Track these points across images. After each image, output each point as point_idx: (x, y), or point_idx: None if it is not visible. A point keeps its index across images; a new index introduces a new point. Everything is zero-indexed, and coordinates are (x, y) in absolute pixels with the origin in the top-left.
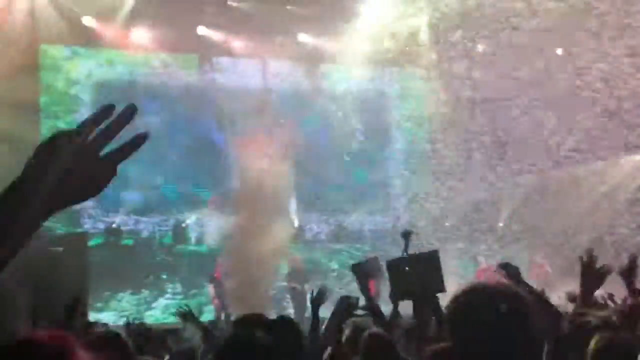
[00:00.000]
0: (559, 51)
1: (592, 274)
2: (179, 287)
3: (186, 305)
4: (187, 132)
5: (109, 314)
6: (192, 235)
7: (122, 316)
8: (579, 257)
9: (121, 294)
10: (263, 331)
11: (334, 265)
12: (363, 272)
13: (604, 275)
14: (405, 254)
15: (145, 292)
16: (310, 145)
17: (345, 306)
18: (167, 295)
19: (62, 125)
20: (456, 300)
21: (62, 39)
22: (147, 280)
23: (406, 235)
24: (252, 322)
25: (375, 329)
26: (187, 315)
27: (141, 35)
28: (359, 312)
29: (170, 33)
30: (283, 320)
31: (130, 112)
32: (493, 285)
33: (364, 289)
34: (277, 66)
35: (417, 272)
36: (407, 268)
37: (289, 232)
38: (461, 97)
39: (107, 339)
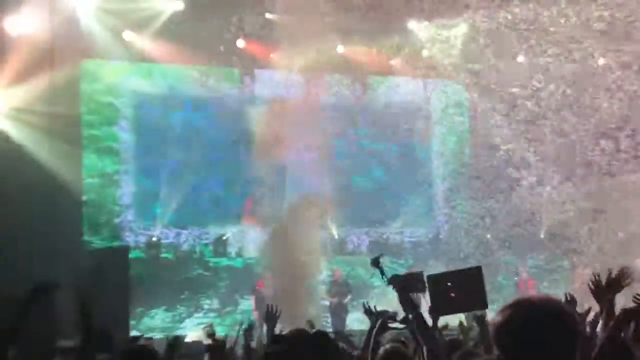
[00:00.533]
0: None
1: (602, 295)
2: (215, 303)
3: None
4: (224, 143)
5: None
6: (232, 249)
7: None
8: (608, 269)
9: (155, 310)
10: (302, 346)
11: (375, 279)
12: (402, 284)
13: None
14: (384, 279)
15: (180, 309)
16: (351, 158)
17: (381, 321)
18: (202, 312)
19: (101, 136)
20: (503, 315)
21: (104, 54)
22: (183, 296)
23: (376, 262)
24: (291, 336)
25: (390, 345)
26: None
27: (180, 48)
28: (398, 325)
29: (208, 46)
30: (321, 335)
31: None
32: (539, 301)
33: (404, 302)
34: (317, 78)
35: (460, 289)
36: (449, 284)
37: (331, 245)
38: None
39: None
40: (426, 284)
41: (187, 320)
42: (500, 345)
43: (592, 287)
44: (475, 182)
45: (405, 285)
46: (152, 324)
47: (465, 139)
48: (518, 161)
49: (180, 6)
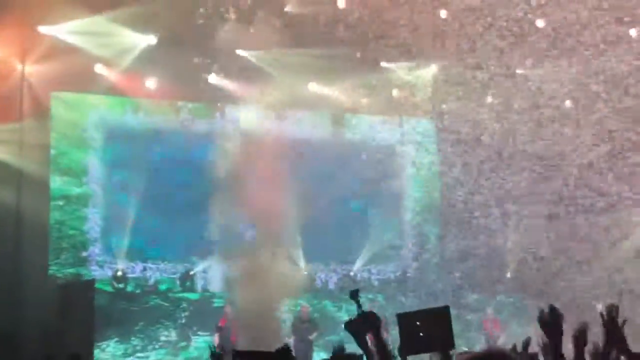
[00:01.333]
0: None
1: (615, 329)
2: (173, 335)
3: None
4: (195, 177)
5: None
6: (199, 284)
7: None
8: (600, 313)
9: (106, 343)
10: None
11: (343, 315)
12: (356, 328)
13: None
14: (360, 311)
15: (135, 341)
16: (322, 193)
17: None
18: (157, 345)
19: (70, 168)
20: None
21: (75, 86)
22: (138, 328)
23: (354, 294)
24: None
25: None
26: None
27: (151, 82)
28: None
29: (180, 81)
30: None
31: None
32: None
33: (361, 345)
34: (286, 114)
35: (427, 327)
36: (417, 323)
37: (298, 281)
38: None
39: None
40: (380, 318)
41: (140, 354)
42: None
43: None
44: (445, 220)
45: (360, 327)
46: (102, 356)
47: (435, 177)
48: (487, 200)
49: (153, 40)
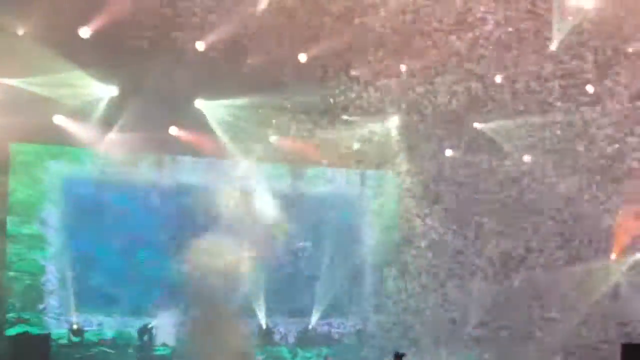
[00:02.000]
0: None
1: None
2: None
3: None
4: (154, 229)
5: None
6: (158, 338)
7: None
8: None
9: None
10: None
11: None
12: None
13: None
14: None
15: None
16: (280, 245)
17: None
18: None
19: (27, 220)
20: None
21: (34, 137)
22: None
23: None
24: None
25: None
26: None
27: (113, 135)
28: None
29: (141, 133)
30: None
31: None
32: None
33: None
34: (248, 167)
35: None
36: None
37: (256, 334)
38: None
39: None
40: None
41: None
42: None
43: None
44: (405, 274)
45: None
46: None
47: (395, 230)
48: (447, 253)
49: (114, 92)
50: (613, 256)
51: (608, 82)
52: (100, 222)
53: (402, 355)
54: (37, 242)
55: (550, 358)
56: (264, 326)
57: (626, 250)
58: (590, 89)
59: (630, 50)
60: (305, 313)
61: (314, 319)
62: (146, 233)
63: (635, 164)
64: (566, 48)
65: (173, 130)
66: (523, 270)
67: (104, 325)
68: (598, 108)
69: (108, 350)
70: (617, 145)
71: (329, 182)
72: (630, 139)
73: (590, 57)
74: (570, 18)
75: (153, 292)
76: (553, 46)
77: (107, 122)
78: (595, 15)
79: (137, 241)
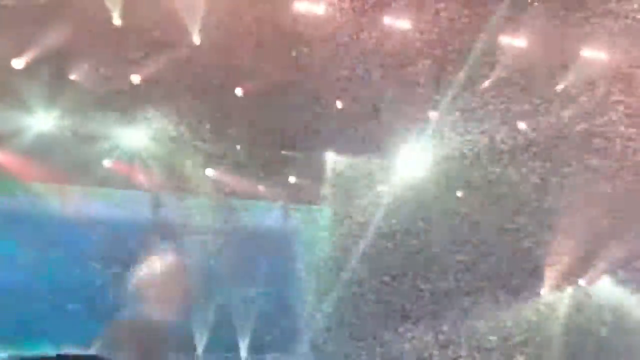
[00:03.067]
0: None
1: None
2: None
3: None
4: (86, 265)
5: None
6: None
7: None
8: None
9: None
10: None
11: None
12: None
13: None
14: None
15: None
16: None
17: None
18: None
19: None
20: None
21: None
22: None
23: None
24: None
25: None
26: None
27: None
28: None
29: (74, 165)
30: None
31: None
32: None
33: None
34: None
35: None
36: None
37: None
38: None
39: None
40: None
41: None
42: None
43: None
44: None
45: None
46: None
47: (331, 264)
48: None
49: (49, 123)
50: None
51: None
52: (31, 257)
53: None
54: None
55: None
56: None
57: None
58: None
59: None
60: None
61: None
62: (79, 270)
63: None
64: None
65: (107, 163)
66: None
67: None
68: None
69: None
70: None
71: (264, 215)
72: None
73: None
74: None
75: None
76: None
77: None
78: None
79: (69, 278)
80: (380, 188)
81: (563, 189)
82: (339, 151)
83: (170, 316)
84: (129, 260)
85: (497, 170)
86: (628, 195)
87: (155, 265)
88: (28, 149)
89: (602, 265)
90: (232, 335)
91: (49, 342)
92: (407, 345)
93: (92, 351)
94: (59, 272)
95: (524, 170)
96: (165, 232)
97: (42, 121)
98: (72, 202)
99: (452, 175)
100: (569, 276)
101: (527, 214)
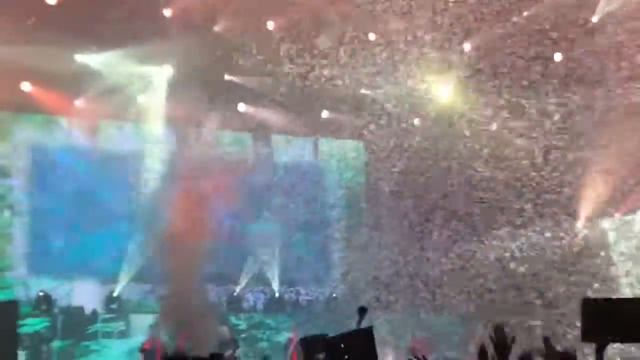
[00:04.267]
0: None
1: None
2: None
3: None
4: (118, 196)
5: None
6: (123, 306)
7: None
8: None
9: None
10: None
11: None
12: (306, 347)
13: None
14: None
15: None
16: (245, 213)
17: None
18: None
19: None
20: None
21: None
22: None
23: (361, 311)
24: None
25: None
26: None
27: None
28: None
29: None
30: None
31: None
32: None
33: None
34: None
35: (353, 349)
36: (342, 345)
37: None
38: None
39: None
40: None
41: None
42: None
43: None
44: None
45: (309, 347)
46: None
47: (361, 197)
48: (413, 214)
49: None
50: None
51: None
52: (68, 191)
53: (365, 309)
54: (4, 210)
55: None
56: (235, 294)
57: None
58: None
59: None
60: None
61: (276, 286)
62: (113, 201)
63: None
64: None
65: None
66: None
67: (72, 293)
68: None
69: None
70: None
71: (283, 147)
72: None
73: None
74: None
75: (118, 261)
76: None
77: (75, 90)
78: None
79: (105, 210)
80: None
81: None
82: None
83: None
84: None
85: None
86: None
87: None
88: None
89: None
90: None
91: None
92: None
93: None
94: None
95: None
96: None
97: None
98: None
99: None
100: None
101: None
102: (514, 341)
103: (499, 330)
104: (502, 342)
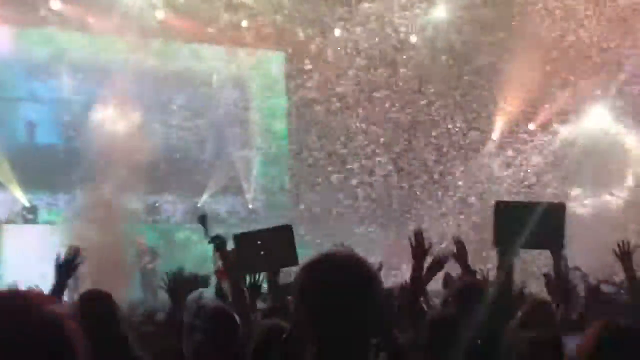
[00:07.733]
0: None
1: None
2: None
3: None
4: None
5: None
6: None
7: None
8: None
9: None
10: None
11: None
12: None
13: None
14: (207, 237)
15: None
16: (163, 125)
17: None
18: None
19: None
20: (304, 269)
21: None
22: None
23: (202, 219)
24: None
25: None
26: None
27: None
28: None
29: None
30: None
31: None
32: (340, 255)
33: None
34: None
35: (270, 247)
36: (259, 242)
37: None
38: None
39: None
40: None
41: None
42: (303, 299)
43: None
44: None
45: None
46: None
47: (282, 114)
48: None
49: None
50: None
51: None
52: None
53: (204, 216)
54: None
55: None
56: (153, 205)
57: None
58: None
59: None
60: (194, 193)
61: (203, 198)
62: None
63: None
64: None
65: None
66: None
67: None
68: None
69: None
70: None
71: (217, 60)
72: None
73: None
74: None
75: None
76: None
77: None
78: None
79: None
80: None
81: None
82: None
83: None
84: None
85: None
86: None
87: None
88: None
89: None
90: (188, 181)
91: None
92: None
93: None
94: None
95: None
96: None
97: None
98: None
99: None
100: None
101: None
102: (431, 246)
103: (418, 234)
104: (420, 247)
